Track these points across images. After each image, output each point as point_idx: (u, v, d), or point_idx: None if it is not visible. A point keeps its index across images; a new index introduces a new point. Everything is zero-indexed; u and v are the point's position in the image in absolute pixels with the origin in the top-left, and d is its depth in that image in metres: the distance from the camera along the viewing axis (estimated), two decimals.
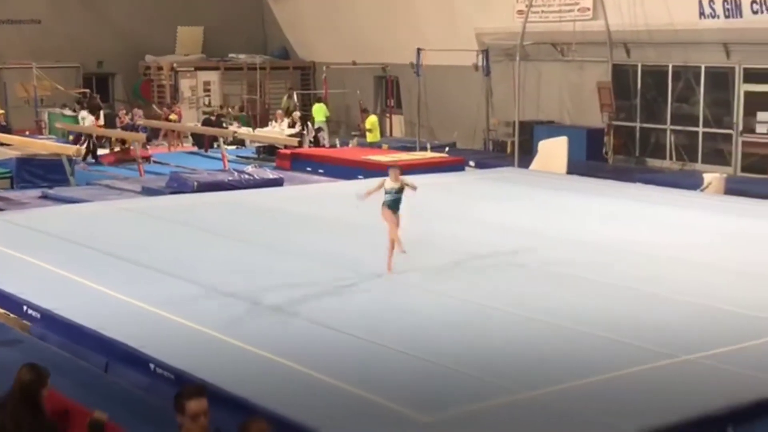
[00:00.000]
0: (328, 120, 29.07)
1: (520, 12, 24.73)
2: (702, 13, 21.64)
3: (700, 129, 22.87)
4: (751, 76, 21.77)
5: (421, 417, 7.49)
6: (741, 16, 20.95)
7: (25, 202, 18.37)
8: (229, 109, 31.60)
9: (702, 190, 19.09)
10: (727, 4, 21.08)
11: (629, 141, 24.26)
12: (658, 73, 23.61)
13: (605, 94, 23.99)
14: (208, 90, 33.09)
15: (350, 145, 27.08)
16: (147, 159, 24.60)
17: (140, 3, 32.56)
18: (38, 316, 10.59)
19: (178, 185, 19.36)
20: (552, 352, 9.10)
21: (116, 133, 26.15)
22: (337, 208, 17.04)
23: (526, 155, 22.99)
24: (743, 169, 21.96)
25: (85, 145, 25.69)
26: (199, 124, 29.84)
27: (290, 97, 31.46)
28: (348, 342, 9.41)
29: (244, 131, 28.30)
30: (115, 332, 9.56)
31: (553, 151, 21.79)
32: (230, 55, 33.80)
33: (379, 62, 30.34)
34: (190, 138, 29.94)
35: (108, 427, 5.94)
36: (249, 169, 21.67)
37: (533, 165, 22.16)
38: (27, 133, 27.29)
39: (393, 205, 11.89)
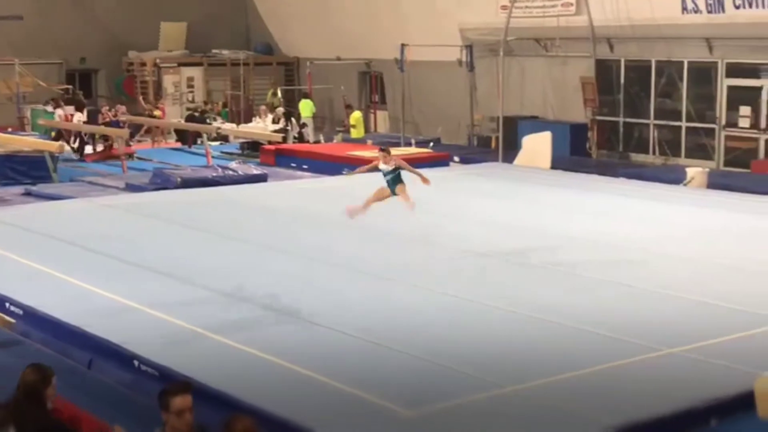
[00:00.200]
0: (314, 116, 29.03)
1: (503, 7, 24.74)
2: (685, 8, 21.71)
3: (683, 123, 22.95)
4: (733, 70, 21.85)
5: (404, 412, 7.49)
6: (723, 11, 21.02)
7: (8, 199, 18.28)
8: (213, 105, 31.51)
9: (685, 185, 19.17)
10: None
11: (612, 136, 24.33)
12: (641, 68, 23.67)
13: (589, 89, 24.05)
14: (192, 86, 32.99)
15: (334, 141, 27.06)
16: (130, 155, 24.51)
17: None
18: (21, 313, 10.54)
19: (162, 181, 19.30)
20: (537, 347, 9.12)
21: (99, 129, 26.02)
22: (322, 203, 17.03)
23: (510, 150, 23.02)
24: (726, 164, 22.05)
25: (78, 142, 25.59)
26: (183, 120, 29.74)
27: (274, 94, 31.41)
28: (334, 338, 9.40)
29: (228, 127, 28.23)
30: (99, 329, 9.53)
31: (537, 146, 21.83)
32: (214, 50, 33.71)
33: (363, 58, 30.32)
34: (174, 134, 29.84)
35: None
36: (233, 165, 21.62)
37: (517, 160, 22.20)
38: (9, 129, 27.12)
39: (390, 184, 12.00)
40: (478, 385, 8.05)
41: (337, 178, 20.56)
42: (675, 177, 19.70)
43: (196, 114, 29.71)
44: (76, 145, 26.01)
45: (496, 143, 24.20)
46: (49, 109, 29.06)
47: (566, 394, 7.90)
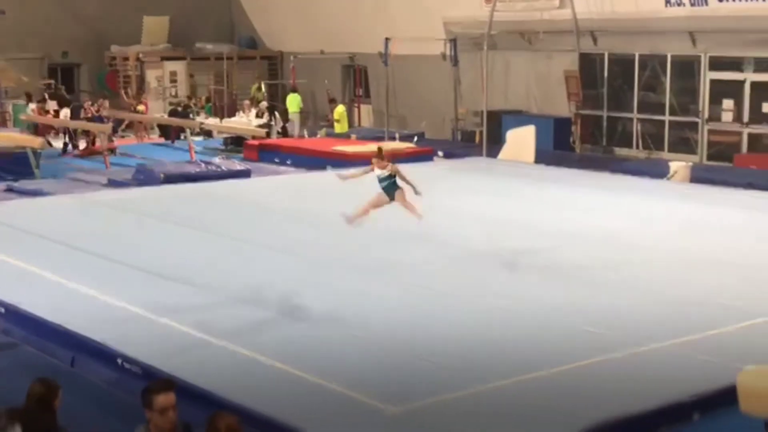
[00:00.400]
0: (300, 111, 28.98)
1: (487, 1, 24.73)
2: (668, 2, 21.77)
3: (667, 117, 23.02)
4: (716, 64, 21.93)
5: (389, 408, 7.48)
6: (706, 4, 21.09)
7: None
8: (197, 100, 31.41)
9: (668, 179, 19.22)
10: None
11: (596, 130, 24.37)
12: (625, 62, 23.73)
13: (572, 83, 24.09)
14: (175, 80, 32.87)
15: (318, 136, 27.01)
16: (112, 151, 24.40)
17: None
18: (2, 311, 10.47)
19: (145, 177, 19.23)
20: (522, 343, 9.13)
21: (81, 124, 25.89)
22: (307, 199, 17.03)
23: (494, 144, 23.03)
24: (709, 157, 22.13)
25: (67, 138, 25.45)
26: (166, 115, 29.63)
27: (259, 88, 31.33)
28: (319, 335, 9.39)
29: (211, 122, 28.14)
30: (82, 327, 9.48)
31: (521, 140, 21.84)
32: (197, 44, 33.58)
33: (347, 52, 30.28)
34: (157, 129, 29.73)
35: None
36: (216, 160, 21.57)
37: (501, 154, 22.20)
38: None
39: (387, 189, 11.50)
40: (462, 381, 8.05)
41: (321, 174, 20.54)
42: (658, 171, 19.75)
43: (179, 109, 29.60)
44: (64, 142, 25.82)
45: (480, 137, 24.21)
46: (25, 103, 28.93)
47: (550, 390, 7.91)
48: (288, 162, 22.45)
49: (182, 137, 26.82)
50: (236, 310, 10.17)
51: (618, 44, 23.54)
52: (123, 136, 28.57)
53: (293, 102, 28.70)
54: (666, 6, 21.83)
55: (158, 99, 32.04)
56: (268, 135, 25.57)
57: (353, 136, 25.82)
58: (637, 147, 23.51)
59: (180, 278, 11.39)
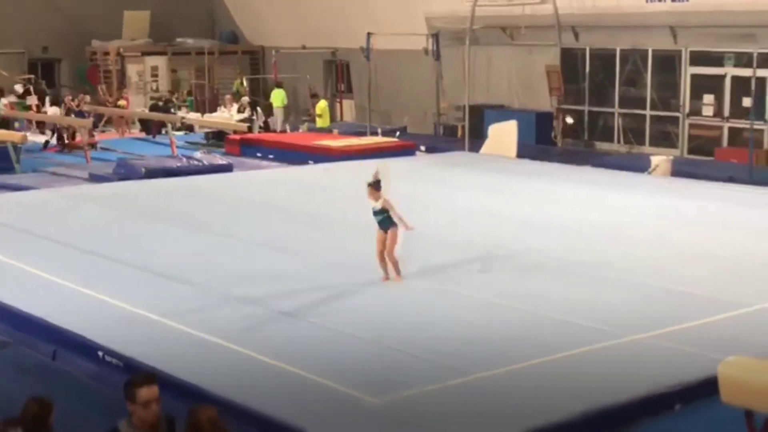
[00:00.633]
0: (285, 106, 28.92)
1: None
2: None
3: (648, 112, 23.11)
4: (697, 59, 22.02)
5: (370, 399, 7.48)
6: (687, 0, 21.17)
7: None
8: (179, 95, 31.30)
9: (649, 173, 19.29)
10: None
11: (578, 124, 24.43)
12: (606, 57, 23.80)
13: (554, 77, 24.14)
14: (156, 75, 32.74)
15: (300, 130, 26.97)
16: (93, 145, 24.29)
17: None
18: None
19: (126, 171, 19.16)
20: (503, 334, 9.15)
21: (62, 119, 25.76)
22: (288, 193, 17.02)
23: (476, 139, 23.05)
24: (690, 151, 22.23)
25: (56, 135, 25.31)
26: (147, 110, 29.51)
27: (241, 83, 31.24)
28: (301, 327, 9.38)
29: (193, 117, 28.03)
30: (63, 320, 9.45)
31: (503, 134, 21.87)
32: (178, 39, 33.46)
33: (329, 46, 30.23)
34: (138, 124, 29.61)
35: None
36: (198, 154, 21.50)
37: (484, 149, 22.23)
38: None
39: (380, 226, 10.88)
40: (445, 373, 8.06)
41: (303, 168, 20.54)
42: (639, 165, 19.82)
43: (160, 104, 29.49)
44: (50, 139, 25.67)
45: (463, 132, 24.23)
46: (12, 99, 28.79)
47: (531, 381, 7.93)
48: (270, 156, 22.41)
49: (163, 132, 26.73)
50: (220, 305, 10.15)
51: (599, 39, 23.60)
52: (104, 131, 28.45)
53: (277, 97, 28.64)
54: (647, 1, 21.90)
55: (139, 94, 31.91)
56: (250, 130, 25.51)
57: (335, 131, 25.81)
58: (619, 141, 23.59)
59: (161, 271, 11.36)
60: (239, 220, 14.61)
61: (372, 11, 27.64)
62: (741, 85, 20.98)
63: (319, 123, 27.55)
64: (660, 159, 19.66)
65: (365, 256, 11.51)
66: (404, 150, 22.35)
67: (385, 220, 10.84)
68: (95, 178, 19.13)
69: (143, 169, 19.05)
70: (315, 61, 31.13)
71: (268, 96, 29.95)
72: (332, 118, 28.96)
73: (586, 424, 7.24)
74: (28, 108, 28.88)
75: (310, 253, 12.38)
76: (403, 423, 7.19)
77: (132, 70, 32.29)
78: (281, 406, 7.35)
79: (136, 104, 30.80)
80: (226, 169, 20.08)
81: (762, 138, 20.79)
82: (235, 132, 24.76)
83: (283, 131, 27.28)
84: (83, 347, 8.93)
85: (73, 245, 12.75)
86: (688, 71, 22.15)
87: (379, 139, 23.52)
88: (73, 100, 27.13)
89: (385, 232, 10.84)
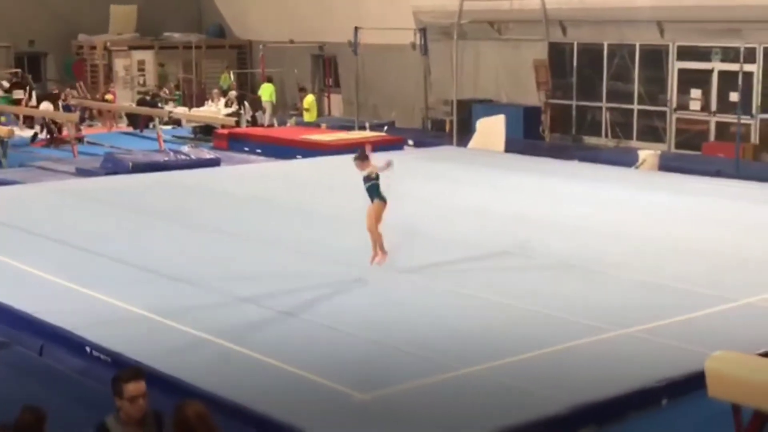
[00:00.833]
0: (273, 101, 28.85)
1: None
2: None
3: (635, 106, 23.15)
4: (684, 53, 22.07)
5: (359, 395, 7.49)
6: None
7: None
8: (168, 89, 31.20)
9: (637, 167, 19.33)
10: None
11: (566, 119, 24.46)
12: (594, 51, 23.82)
13: (542, 72, 24.16)
14: (143, 69, 32.64)
15: (288, 125, 26.93)
16: (80, 140, 24.20)
17: None
18: None
19: (113, 166, 19.11)
20: (491, 329, 9.16)
21: (49, 113, 25.64)
22: (275, 188, 16.99)
23: (464, 134, 23.06)
24: (677, 146, 22.29)
25: (46, 130, 25.19)
26: (134, 104, 29.42)
27: (228, 78, 31.15)
28: (288, 322, 9.38)
29: (180, 111, 27.96)
30: (50, 315, 9.41)
31: (491, 129, 21.89)
32: (165, 33, 33.35)
33: (317, 41, 30.17)
34: (125, 118, 29.52)
35: None
36: (185, 149, 21.44)
37: (472, 143, 22.25)
38: None
39: (369, 196, 10.76)
40: (432, 368, 8.06)
41: (290, 162, 20.50)
42: (627, 159, 19.86)
43: (148, 98, 29.39)
44: (39, 133, 25.54)
45: (451, 126, 24.24)
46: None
47: (519, 376, 7.95)
48: (258, 151, 22.37)
49: (151, 126, 26.65)
50: (209, 300, 10.13)
51: (587, 34, 23.63)
52: (91, 125, 28.35)
53: (266, 91, 28.58)
54: None
55: (126, 88, 31.81)
56: (238, 124, 25.46)
57: (323, 125, 25.78)
58: (606, 136, 23.62)
59: (148, 267, 11.33)
60: (228, 215, 14.57)
61: (360, 6, 27.60)
62: (728, 80, 21.03)
63: (307, 117, 27.51)
64: (647, 153, 19.70)
65: (352, 251, 11.51)
66: (392, 144, 22.33)
67: (372, 188, 10.71)
68: (82, 173, 19.07)
69: (130, 164, 19.00)
70: (303, 56, 31.07)
71: (255, 90, 29.88)
72: (320, 113, 28.92)
73: (573, 418, 7.26)
74: (15, 102, 28.74)
75: (299, 249, 12.35)
76: (393, 418, 7.19)
77: (119, 64, 32.18)
78: (269, 401, 7.34)
79: (123, 98, 30.68)
80: (214, 163, 20.04)
81: (749, 132, 20.86)
82: (222, 126, 24.70)
83: (271, 125, 27.23)
84: (70, 342, 8.90)
85: (61, 240, 12.70)
86: (675, 66, 22.20)
87: (366, 134, 23.49)
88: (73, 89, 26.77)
89: (373, 203, 10.73)
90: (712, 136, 21.76)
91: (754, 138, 20.97)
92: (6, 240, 12.84)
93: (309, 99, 28.03)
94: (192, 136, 26.63)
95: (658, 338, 8.82)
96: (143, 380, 5.60)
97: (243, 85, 31.74)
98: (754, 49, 20.49)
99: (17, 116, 28.01)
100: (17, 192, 16.94)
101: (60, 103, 26.60)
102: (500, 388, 7.69)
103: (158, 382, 7.28)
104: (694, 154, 21.31)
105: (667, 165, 19.22)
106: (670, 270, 11.21)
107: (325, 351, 8.55)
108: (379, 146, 21.19)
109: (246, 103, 27.72)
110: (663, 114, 22.59)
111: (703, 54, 21.76)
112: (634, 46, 22.88)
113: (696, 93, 21.96)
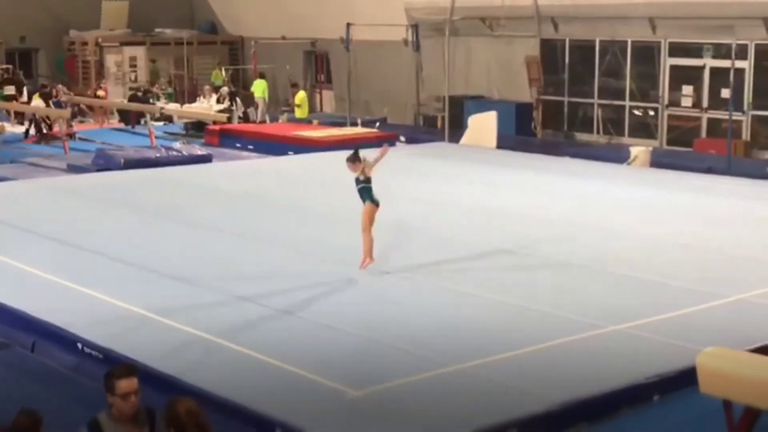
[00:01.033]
0: (265, 97, 28.82)
1: None
2: None
3: (627, 103, 23.19)
4: (676, 50, 22.10)
5: (351, 392, 7.49)
6: None
7: None
8: (162, 85, 31.12)
9: (628, 164, 19.37)
10: None
11: (557, 115, 24.49)
12: (586, 48, 23.84)
13: (534, 68, 24.18)
14: (134, 65, 32.56)
15: (280, 121, 26.90)
16: (71, 136, 24.14)
17: None
18: None
19: (105, 162, 19.08)
20: (483, 326, 9.17)
21: (40, 110, 25.57)
22: (268, 184, 16.97)
23: (456, 130, 23.07)
24: (669, 142, 22.33)
25: (34, 126, 25.09)
26: (126, 100, 29.35)
27: (220, 74, 31.08)
28: (281, 318, 9.37)
29: (172, 107, 27.90)
30: (42, 311, 9.39)
31: (483, 125, 21.90)
32: (156, 29, 33.27)
33: (309, 37, 30.13)
34: (116, 114, 29.44)
35: None
36: (177, 145, 21.41)
37: (463, 140, 22.26)
38: None
39: (360, 197, 10.71)
40: (425, 364, 8.07)
41: (282, 159, 20.49)
42: (619, 156, 19.90)
43: (139, 94, 29.33)
44: (30, 129, 25.45)
45: (442, 123, 24.24)
46: None
47: (510, 372, 7.95)
48: (250, 147, 22.35)
49: (142, 122, 26.59)
50: (196, 295, 10.12)
51: (579, 30, 23.65)
52: (82, 121, 28.27)
53: (258, 87, 28.53)
54: None
55: (117, 84, 31.73)
56: (230, 120, 25.43)
57: (315, 122, 25.75)
58: (598, 132, 23.66)
59: (139, 263, 11.31)
60: (222, 212, 14.54)
61: (352, 2, 27.57)
62: (719, 77, 21.07)
63: (298, 113, 27.47)
64: (639, 150, 19.73)
65: (347, 250, 11.50)
66: (384, 141, 22.28)
67: (363, 190, 10.69)
68: (74, 169, 19.03)
69: (122, 160, 18.97)
70: (295, 52, 31.03)
71: (247, 87, 29.83)
72: (312, 109, 28.88)
73: (564, 414, 7.27)
74: (6, 98, 28.64)
75: (295, 247, 12.33)
76: (386, 415, 7.19)
77: (110, 60, 32.10)
78: (262, 398, 7.34)
79: (115, 95, 30.61)
80: (206, 159, 20.02)
81: (740, 129, 20.91)
82: (214, 123, 24.67)
83: (263, 122, 27.20)
84: (62, 339, 8.89)
85: (53, 237, 12.67)
86: (667, 62, 22.23)
87: (358, 130, 23.48)
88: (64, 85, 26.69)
89: (365, 204, 10.72)
90: (703, 133, 21.81)
91: (746, 135, 21.03)
92: None
93: (301, 95, 27.99)
94: (184, 132, 26.57)
95: (649, 334, 8.83)
96: (136, 377, 5.59)
97: (235, 82, 31.69)
98: (745, 45, 20.54)
99: (8, 112, 27.92)
100: (8, 188, 16.90)
101: (51, 100, 26.50)
102: (493, 385, 7.69)
103: (152, 379, 7.27)
104: (685, 150, 21.35)
105: (658, 161, 19.26)
106: (661, 266, 11.23)
107: (317, 348, 8.54)
108: (372, 142, 21.24)
109: (238, 99, 27.68)
110: (655, 110, 22.62)
111: (695, 50, 21.80)
112: (626, 42, 22.91)
113: (688, 89, 22.00)
